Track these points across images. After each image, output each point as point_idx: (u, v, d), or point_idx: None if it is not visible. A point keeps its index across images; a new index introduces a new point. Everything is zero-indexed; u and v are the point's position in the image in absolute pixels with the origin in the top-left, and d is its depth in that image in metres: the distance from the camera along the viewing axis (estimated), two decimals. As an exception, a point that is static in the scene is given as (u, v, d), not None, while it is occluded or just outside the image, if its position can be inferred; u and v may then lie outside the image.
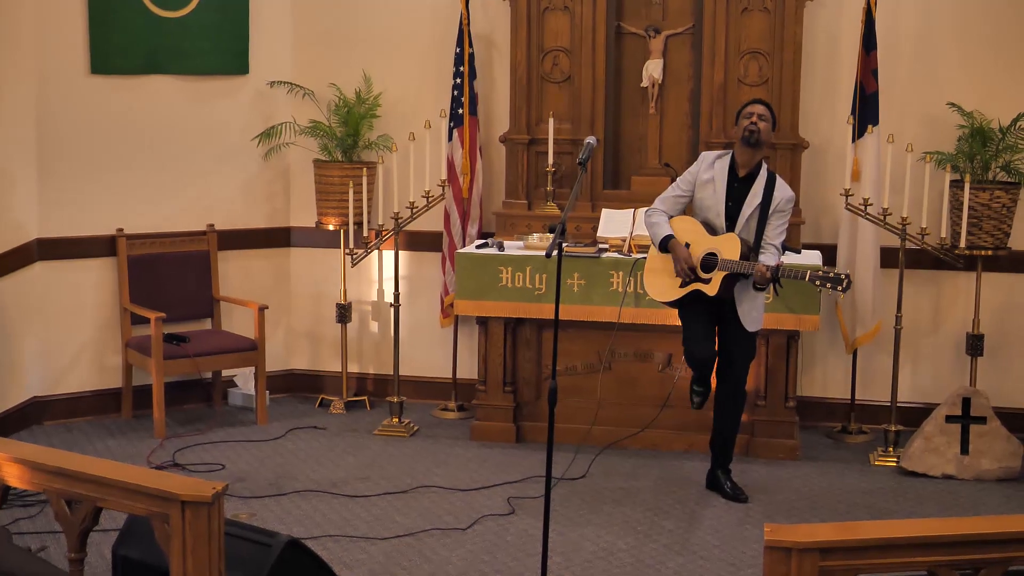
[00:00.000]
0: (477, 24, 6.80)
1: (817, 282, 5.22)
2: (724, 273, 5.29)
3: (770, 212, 5.35)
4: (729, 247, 5.31)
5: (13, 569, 4.31)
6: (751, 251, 5.33)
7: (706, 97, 6.54)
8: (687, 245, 5.38)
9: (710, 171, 5.45)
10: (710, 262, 5.32)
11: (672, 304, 5.55)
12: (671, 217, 5.50)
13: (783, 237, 5.44)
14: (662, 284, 5.52)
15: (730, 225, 5.38)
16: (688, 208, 5.61)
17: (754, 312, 5.44)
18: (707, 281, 5.34)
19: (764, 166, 5.43)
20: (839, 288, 5.18)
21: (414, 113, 6.85)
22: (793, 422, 6.22)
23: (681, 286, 5.41)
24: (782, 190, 5.40)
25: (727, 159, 5.45)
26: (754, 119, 5.34)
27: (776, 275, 5.18)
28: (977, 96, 6.33)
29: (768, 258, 5.29)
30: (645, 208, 5.66)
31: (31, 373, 6.63)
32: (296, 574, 4.05)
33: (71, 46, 6.58)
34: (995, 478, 5.92)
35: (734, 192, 5.40)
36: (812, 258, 6.16)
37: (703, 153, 5.61)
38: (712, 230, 5.41)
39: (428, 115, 6.75)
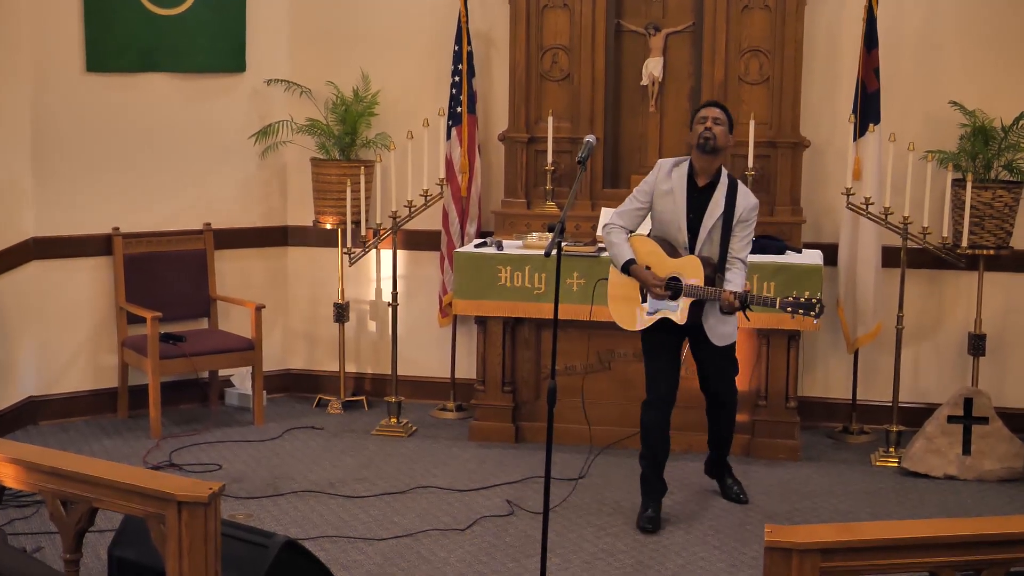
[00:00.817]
0: (476, 22, 6.80)
1: (788, 309, 5.01)
2: (690, 300, 5.10)
3: (734, 223, 5.12)
4: (692, 270, 5.11)
5: (8, 570, 4.32)
6: (715, 272, 5.13)
7: (707, 95, 6.52)
8: (647, 268, 5.18)
9: (668, 181, 5.19)
10: (674, 288, 5.12)
11: (644, 336, 5.32)
12: (631, 232, 5.27)
13: (749, 248, 5.22)
14: (627, 312, 5.30)
15: (692, 238, 5.16)
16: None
17: (721, 327, 5.19)
18: (675, 309, 5.14)
19: (724, 172, 5.19)
20: (812, 314, 4.98)
21: (412, 111, 6.85)
22: (794, 422, 6.22)
23: (649, 314, 5.20)
24: (745, 198, 5.17)
25: (685, 167, 5.20)
26: (708, 124, 5.09)
27: (744, 302, 5.00)
28: (979, 95, 6.34)
29: (735, 277, 5.09)
30: (603, 223, 5.46)
31: (27, 373, 6.63)
32: (294, 573, 4.06)
33: (67, 44, 6.59)
34: (997, 479, 5.92)
35: (694, 203, 5.16)
36: (813, 257, 6.16)
37: (660, 161, 5.33)
38: (672, 249, 5.18)
39: (426, 113, 6.75)
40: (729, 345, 5.30)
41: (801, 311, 4.98)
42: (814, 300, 4.97)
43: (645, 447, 5.31)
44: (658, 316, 5.17)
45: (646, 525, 5.24)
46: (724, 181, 5.16)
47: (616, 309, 5.35)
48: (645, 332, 5.28)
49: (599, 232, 5.42)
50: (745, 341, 6.10)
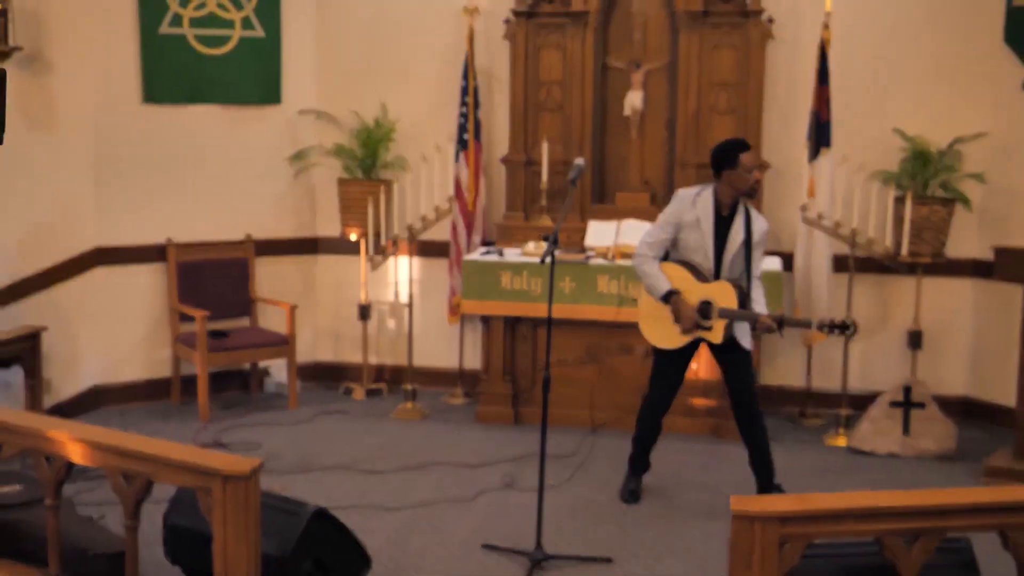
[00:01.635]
0: (480, 60, 6.81)
1: (824, 330, 4.87)
2: (725, 321, 4.92)
3: (752, 246, 4.96)
4: (724, 294, 4.91)
5: (77, 534, 4.32)
6: (745, 295, 4.95)
7: (681, 124, 6.55)
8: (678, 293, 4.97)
9: (693, 211, 4.94)
10: (705, 309, 4.92)
11: (663, 350, 5.10)
12: (662, 256, 5.04)
13: (762, 266, 5.11)
14: (663, 331, 5.03)
15: (717, 263, 4.96)
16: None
17: (745, 333, 5.03)
18: (709, 329, 4.93)
19: (740, 201, 5.02)
20: (847, 334, 4.87)
21: (425, 137, 6.86)
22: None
23: (682, 333, 4.98)
24: (760, 223, 5.00)
25: (708, 197, 4.96)
26: (757, 175, 4.96)
27: (780, 324, 4.84)
28: (918, 123, 6.35)
29: (759, 296, 4.95)
30: (633, 256, 5.11)
31: (91, 364, 6.64)
32: (323, 538, 4.07)
33: (126, 79, 6.60)
34: (933, 456, 5.93)
35: (719, 231, 4.95)
36: (773, 264, 6.15)
37: (679, 192, 5.10)
38: (698, 273, 4.97)
39: (437, 139, 6.77)
40: (750, 352, 5.11)
41: (836, 331, 4.84)
42: (849, 322, 4.85)
43: (640, 427, 5.25)
44: (694, 336, 4.98)
45: (628, 497, 5.24)
46: (741, 209, 4.98)
47: (648, 328, 5.10)
48: (671, 350, 5.07)
49: (631, 263, 5.14)
50: (714, 337, 6.11)
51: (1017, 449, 5.58)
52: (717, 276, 4.98)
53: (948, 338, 6.59)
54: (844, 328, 4.84)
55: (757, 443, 5.14)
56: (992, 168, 6.33)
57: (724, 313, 4.90)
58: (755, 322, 4.88)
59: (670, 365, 5.13)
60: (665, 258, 5.08)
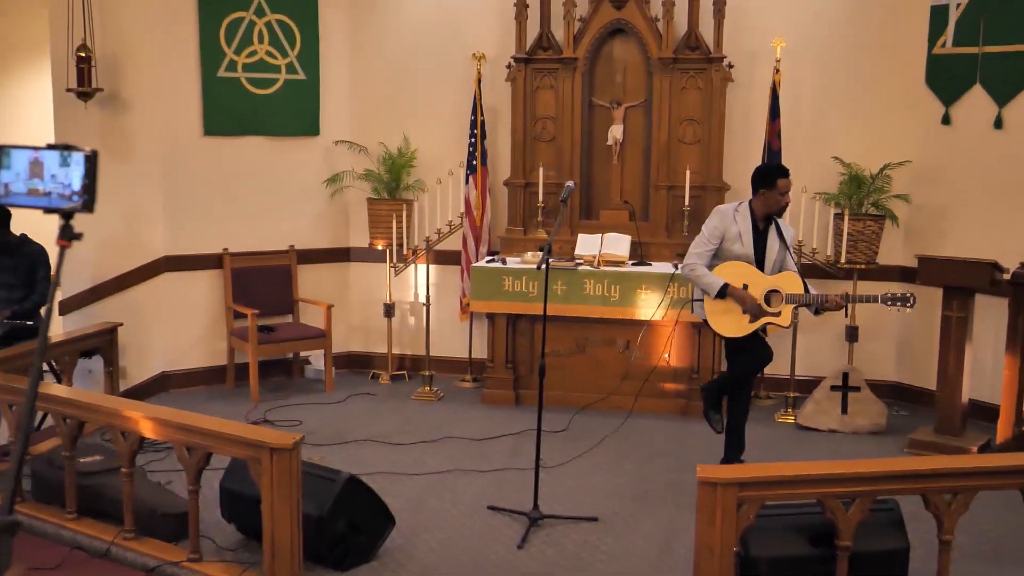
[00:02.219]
0: (486, 98, 6.81)
1: (888, 303, 4.69)
2: (793, 305, 4.70)
3: (788, 250, 4.82)
4: (791, 283, 4.71)
5: (148, 497, 4.33)
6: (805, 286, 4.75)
7: (655, 152, 6.54)
8: (744, 287, 4.72)
9: (735, 225, 4.76)
10: (771, 298, 4.71)
11: (737, 339, 4.81)
12: (709, 263, 4.81)
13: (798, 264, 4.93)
14: (730, 322, 4.75)
15: (760, 269, 4.77)
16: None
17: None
18: (778, 314, 4.70)
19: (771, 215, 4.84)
20: (908, 305, 4.69)
21: (440, 164, 6.85)
22: (719, 390, 6.21)
23: (751, 321, 4.72)
24: (788, 230, 4.85)
25: (746, 212, 4.77)
26: (787, 198, 4.75)
27: (848, 301, 4.64)
28: (854, 152, 6.34)
29: (810, 288, 4.77)
30: (683, 265, 4.90)
31: (159, 354, 6.64)
32: (354, 501, 4.07)
33: (189, 115, 6.60)
34: (867, 431, 5.92)
35: (758, 242, 4.79)
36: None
37: (719, 208, 4.89)
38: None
39: (450, 165, 6.77)
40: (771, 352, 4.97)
41: (899, 303, 4.69)
42: (908, 294, 4.71)
43: (731, 389, 4.95)
44: (761, 323, 4.74)
45: (717, 427, 5.03)
46: (772, 220, 4.83)
47: (717, 320, 4.78)
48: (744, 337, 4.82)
49: (680, 271, 4.99)
50: (684, 330, 6.11)
51: (937, 426, 5.58)
52: None
53: (879, 332, 6.58)
54: (906, 300, 4.68)
55: (742, 419, 5.00)
56: (916, 190, 6.33)
57: (792, 298, 4.68)
58: (823, 303, 4.65)
59: (745, 350, 4.84)
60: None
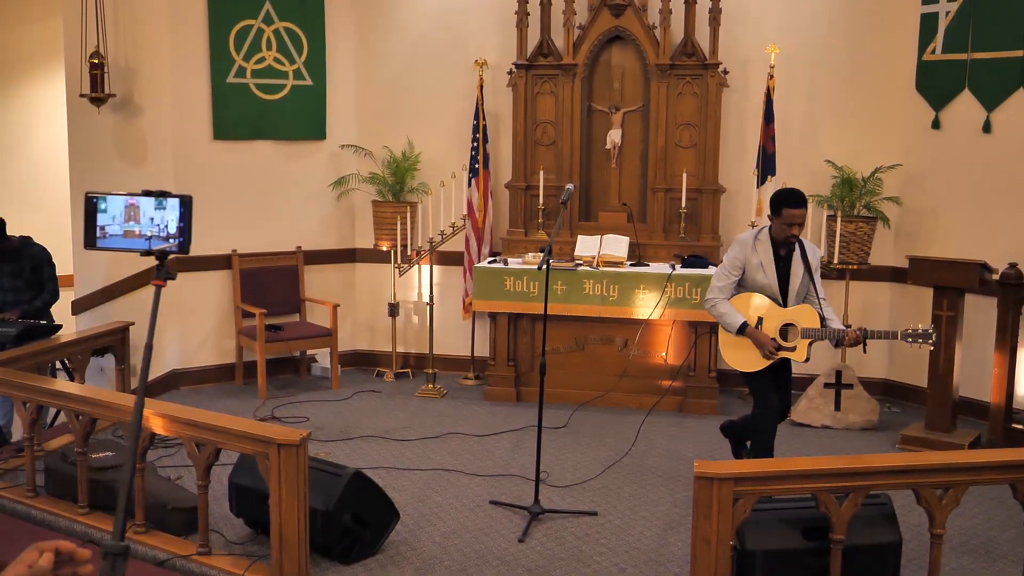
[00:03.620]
0: (488, 103, 6.80)
1: (909, 340, 4.31)
2: (809, 340, 4.38)
3: (813, 274, 4.46)
4: (806, 317, 4.39)
5: (159, 492, 4.32)
6: (821, 317, 4.41)
7: (652, 156, 6.53)
8: (760, 320, 4.42)
9: (756, 255, 4.43)
10: (785, 333, 4.41)
11: (751, 373, 4.50)
12: (732, 296, 4.49)
13: (823, 289, 4.54)
14: (745, 357, 4.46)
15: (784, 296, 4.44)
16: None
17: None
18: (793, 349, 4.39)
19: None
20: (930, 343, 4.30)
21: (443, 167, 6.84)
22: (714, 387, 6.20)
23: (766, 357, 4.42)
24: (812, 252, 4.48)
25: (766, 239, 4.43)
26: (795, 231, 4.32)
27: (865, 337, 4.29)
28: (846, 155, 6.33)
29: (832, 315, 4.42)
30: (705, 299, 4.58)
31: (171, 352, 6.63)
32: (360, 495, 4.06)
33: (199, 120, 6.59)
34: (859, 428, 5.91)
35: (780, 268, 4.44)
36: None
37: (739, 238, 4.54)
38: (777, 301, 4.47)
39: (453, 168, 6.76)
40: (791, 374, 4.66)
41: (920, 340, 4.31)
42: (930, 330, 4.32)
43: (757, 443, 4.56)
44: (777, 358, 4.43)
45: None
46: (796, 245, 4.45)
47: (731, 355, 4.50)
48: (758, 372, 4.49)
49: (705, 306, 4.59)
50: (681, 330, 6.10)
51: (928, 422, 5.56)
52: (785, 306, 4.48)
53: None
54: (927, 336, 4.30)
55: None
56: (906, 192, 6.31)
57: (808, 333, 4.37)
58: (841, 337, 4.32)
59: (762, 385, 4.49)
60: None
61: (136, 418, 2.54)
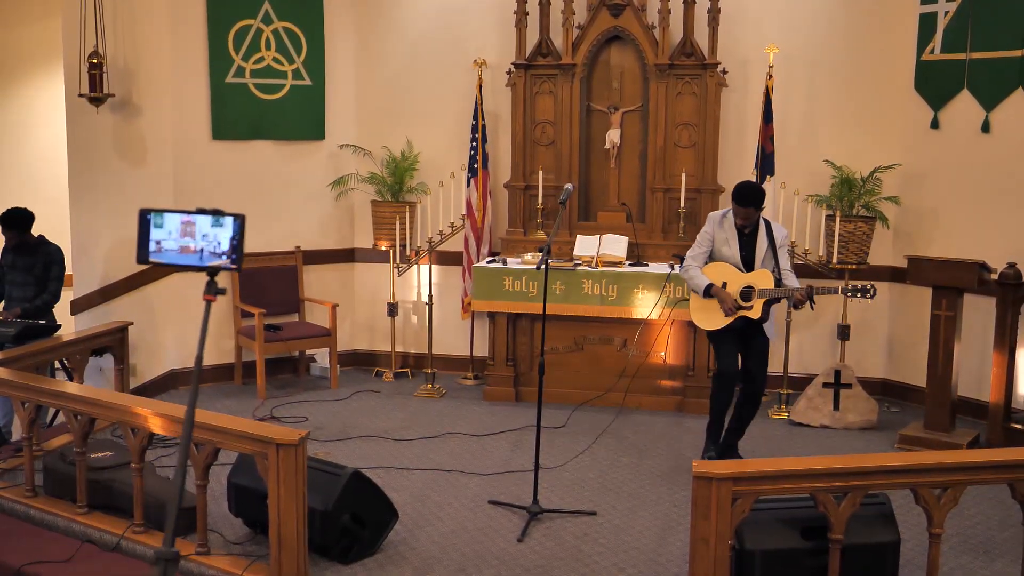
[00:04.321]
0: (487, 103, 6.80)
1: (848, 294, 4.82)
2: (763, 300, 4.86)
3: (777, 249, 4.93)
4: (763, 279, 4.88)
5: (157, 491, 4.31)
6: (779, 280, 4.90)
7: (651, 156, 6.53)
8: (724, 284, 4.91)
9: (722, 231, 4.97)
10: (747, 293, 4.87)
11: (714, 332, 4.99)
12: (705, 264, 5.01)
13: (791, 261, 5.08)
14: (709, 317, 4.97)
15: (748, 269, 4.94)
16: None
17: (771, 326, 5.09)
18: (750, 308, 4.87)
19: (760, 217, 4.96)
20: (868, 296, 4.78)
21: (442, 167, 6.84)
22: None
23: (726, 315, 4.90)
24: (779, 230, 4.99)
25: (731, 218, 4.95)
26: (739, 221, 4.89)
27: (811, 294, 4.75)
28: (845, 155, 6.32)
29: (792, 281, 4.91)
30: (681, 270, 5.11)
31: (169, 352, 6.62)
32: (359, 495, 4.06)
33: (198, 120, 6.58)
34: (858, 427, 5.91)
35: (745, 243, 4.95)
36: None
37: (711, 214, 5.10)
38: (740, 268, 4.96)
39: (452, 168, 6.76)
40: (767, 340, 5.06)
41: (859, 295, 4.79)
42: (869, 286, 4.81)
43: (715, 403, 5.04)
44: (735, 316, 4.89)
45: (708, 455, 5.05)
46: (761, 224, 4.96)
47: (699, 317, 5.01)
48: (719, 330, 4.97)
49: (680, 275, 5.18)
50: (680, 329, 6.10)
51: (926, 422, 5.56)
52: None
53: (870, 330, 6.56)
54: (866, 292, 4.77)
55: (743, 418, 5.07)
56: (905, 192, 6.31)
57: (763, 293, 4.85)
58: (791, 295, 4.80)
59: (724, 342, 4.98)
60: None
61: (187, 428, 2.57)
